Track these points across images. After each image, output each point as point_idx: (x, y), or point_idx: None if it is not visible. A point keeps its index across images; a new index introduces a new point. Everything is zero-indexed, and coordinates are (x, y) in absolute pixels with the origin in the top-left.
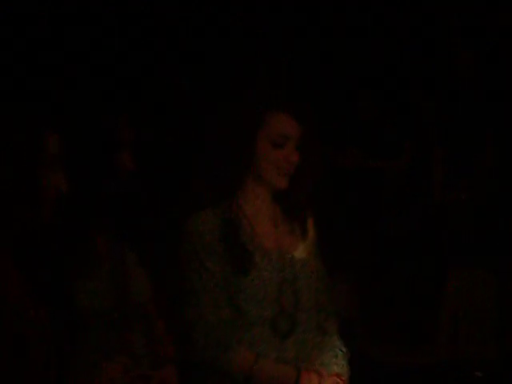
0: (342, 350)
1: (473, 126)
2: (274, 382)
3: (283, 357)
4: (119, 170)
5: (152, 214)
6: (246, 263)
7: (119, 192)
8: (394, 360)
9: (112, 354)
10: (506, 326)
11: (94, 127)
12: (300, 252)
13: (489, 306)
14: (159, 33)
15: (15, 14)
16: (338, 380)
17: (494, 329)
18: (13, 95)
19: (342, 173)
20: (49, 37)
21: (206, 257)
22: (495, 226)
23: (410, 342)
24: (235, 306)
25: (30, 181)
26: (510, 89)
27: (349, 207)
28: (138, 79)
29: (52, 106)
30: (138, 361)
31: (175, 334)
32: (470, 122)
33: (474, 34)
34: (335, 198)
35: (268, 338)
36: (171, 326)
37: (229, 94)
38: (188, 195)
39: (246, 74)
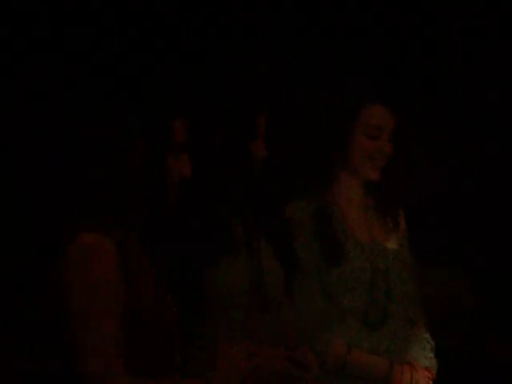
0: (430, 343)
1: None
2: (367, 372)
3: (374, 348)
4: (254, 158)
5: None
6: (337, 252)
7: (253, 180)
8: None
9: (237, 339)
10: None
11: (233, 115)
12: (392, 243)
13: None
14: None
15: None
16: (428, 374)
17: None
18: (142, 83)
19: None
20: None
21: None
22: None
23: None
24: (328, 296)
25: (158, 167)
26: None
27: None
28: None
29: (182, 94)
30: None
31: None
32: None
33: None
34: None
35: (359, 329)
36: None
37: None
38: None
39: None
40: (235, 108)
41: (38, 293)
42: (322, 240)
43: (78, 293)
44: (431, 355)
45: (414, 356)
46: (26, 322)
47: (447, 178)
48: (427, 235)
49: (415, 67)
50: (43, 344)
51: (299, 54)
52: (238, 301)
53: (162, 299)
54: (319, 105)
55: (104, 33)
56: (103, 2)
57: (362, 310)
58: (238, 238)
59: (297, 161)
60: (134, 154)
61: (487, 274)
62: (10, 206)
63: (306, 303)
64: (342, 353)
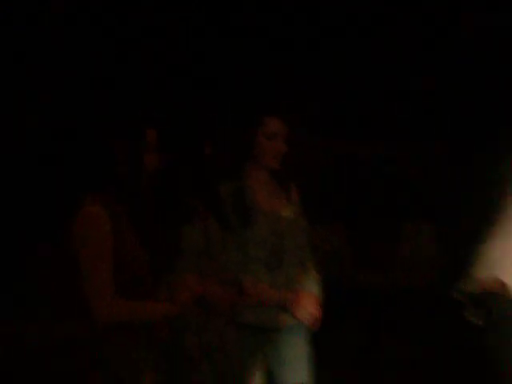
0: (316, 277)
1: None
2: (269, 299)
3: (274, 283)
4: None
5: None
6: (247, 218)
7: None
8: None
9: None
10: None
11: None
12: (287, 212)
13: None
14: None
15: None
16: (314, 299)
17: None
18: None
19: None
20: None
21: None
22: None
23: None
24: (242, 249)
25: (136, 161)
26: None
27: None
28: None
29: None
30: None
31: None
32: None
33: None
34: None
35: (263, 271)
36: None
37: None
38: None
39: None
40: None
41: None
42: (238, 209)
43: (84, 245)
44: (318, 288)
45: (303, 286)
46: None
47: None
48: (313, 203)
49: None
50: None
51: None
52: (195, 249)
53: (138, 250)
54: (237, 119)
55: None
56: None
57: (265, 258)
58: (194, 210)
59: (220, 156)
60: (121, 152)
61: (358, 226)
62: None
63: (228, 254)
64: (254, 287)
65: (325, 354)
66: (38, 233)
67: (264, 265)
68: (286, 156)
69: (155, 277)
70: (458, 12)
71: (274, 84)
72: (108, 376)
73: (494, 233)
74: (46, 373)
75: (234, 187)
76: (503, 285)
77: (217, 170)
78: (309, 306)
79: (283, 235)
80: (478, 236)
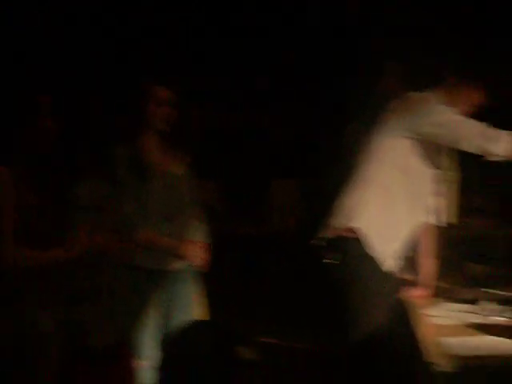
0: (202, 226)
1: None
2: (164, 247)
3: (169, 235)
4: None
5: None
6: (143, 176)
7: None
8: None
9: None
10: None
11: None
12: (177, 170)
13: None
14: None
15: None
16: (202, 245)
17: None
18: None
19: None
20: None
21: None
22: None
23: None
24: (139, 205)
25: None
26: None
27: None
28: None
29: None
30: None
31: None
32: None
33: None
34: None
35: (159, 222)
36: None
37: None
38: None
39: None
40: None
41: None
42: (134, 168)
43: None
44: (205, 235)
45: (193, 235)
46: None
47: None
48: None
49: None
50: None
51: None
52: (93, 204)
53: (41, 205)
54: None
55: None
56: None
57: (160, 211)
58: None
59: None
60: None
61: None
62: None
63: (126, 208)
64: (148, 236)
65: (209, 290)
66: None
67: (159, 216)
68: (175, 120)
69: (57, 230)
70: None
71: (164, 56)
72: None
73: (350, 185)
74: None
75: (130, 149)
76: (355, 230)
77: (114, 134)
78: (199, 251)
79: (175, 190)
80: (336, 189)
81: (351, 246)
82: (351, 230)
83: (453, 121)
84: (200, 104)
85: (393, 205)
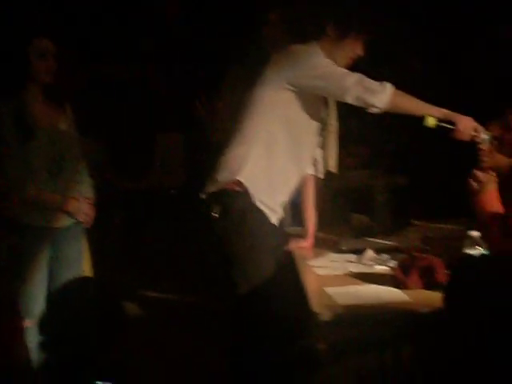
0: (90, 184)
1: None
2: (53, 203)
3: (56, 191)
4: None
5: None
6: (28, 132)
7: None
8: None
9: None
10: None
11: None
12: (63, 124)
13: None
14: None
15: None
16: (89, 201)
17: None
18: None
19: None
20: None
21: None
22: None
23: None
24: (25, 162)
25: None
26: None
27: None
28: None
29: None
30: None
31: None
32: None
33: None
34: None
35: (46, 179)
36: None
37: None
38: None
39: None
40: None
41: None
42: (18, 126)
43: None
44: (90, 189)
45: (80, 191)
46: None
47: None
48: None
49: None
50: None
51: None
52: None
53: None
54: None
55: None
56: None
57: (46, 167)
58: None
59: None
60: None
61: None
62: None
63: (12, 166)
64: (35, 193)
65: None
66: None
67: (46, 173)
68: (59, 73)
69: None
70: None
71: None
72: None
73: (233, 138)
74: None
75: (13, 106)
76: (239, 183)
77: None
78: (85, 207)
79: (61, 146)
80: (220, 142)
81: (233, 199)
82: (235, 183)
83: (334, 73)
84: (83, 56)
85: (276, 157)
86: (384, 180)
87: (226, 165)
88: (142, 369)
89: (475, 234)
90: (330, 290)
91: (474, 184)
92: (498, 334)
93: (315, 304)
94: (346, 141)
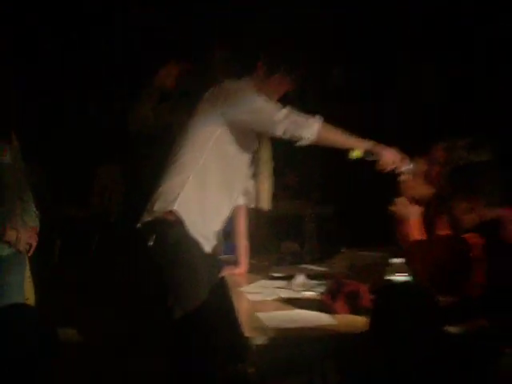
0: (35, 212)
1: None
2: None
3: None
4: None
5: None
6: None
7: None
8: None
9: None
10: None
11: None
12: (6, 158)
13: None
14: None
15: None
16: (32, 230)
17: None
18: None
19: None
20: None
21: None
22: None
23: None
24: None
25: None
26: None
27: None
28: None
29: None
30: None
31: None
32: None
33: None
34: None
35: None
36: None
37: None
38: None
39: None
40: None
41: None
42: None
43: None
44: (35, 218)
45: (22, 220)
46: None
47: None
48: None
49: None
50: None
51: None
52: None
53: None
54: None
55: None
56: None
57: None
58: None
59: None
60: None
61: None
62: None
63: None
64: None
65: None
66: None
67: None
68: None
69: None
70: None
71: None
72: None
73: (168, 170)
74: None
75: None
76: (173, 213)
77: None
78: (25, 236)
79: (4, 178)
80: (156, 174)
81: (168, 229)
82: (170, 214)
83: (263, 107)
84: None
85: (209, 188)
86: (312, 210)
87: (160, 196)
88: None
89: (397, 261)
90: (260, 314)
91: (396, 212)
92: (414, 352)
93: (247, 328)
94: (278, 172)
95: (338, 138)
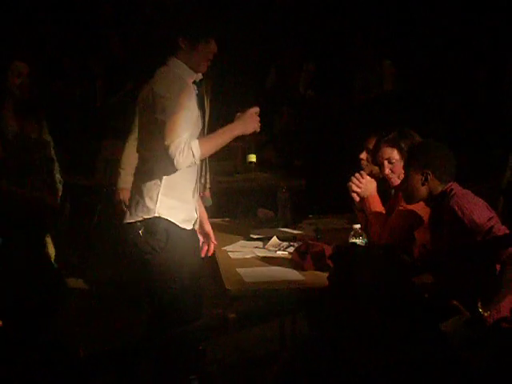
0: (59, 182)
1: None
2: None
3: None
4: None
5: None
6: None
7: None
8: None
9: None
10: None
11: None
12: (33, 134)
13: None
14: None
15: None
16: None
17: None
18: None
19: None
20: None
21: None
22: None
23: None
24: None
25: None
26: None
27: None
28: None
29: None
30: None
31: None
32: None
33: None
34: None
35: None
36: None
37: None
38: None
39: None
40: None
41: None
42: None
43: None
44: (59, 186)
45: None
46: None
47: None
48: None
49: None
50: None
51: None
52: None
53: None
54: None
55: None
56: None
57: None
58: None
59: None
60: None
61: None
62: None
63: None
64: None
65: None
66: None
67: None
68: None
69: None
70: None
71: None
72: None
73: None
74: None
75: None
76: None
77: None
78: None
79: (32, 151)
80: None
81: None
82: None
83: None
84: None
85: (178, 179)
86: (286, 182)
87: (138, 205)
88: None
89: (357, 226)
90: (240, 270)
91: (355, 186)
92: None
93: (228, 281)
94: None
95: (216, 143)
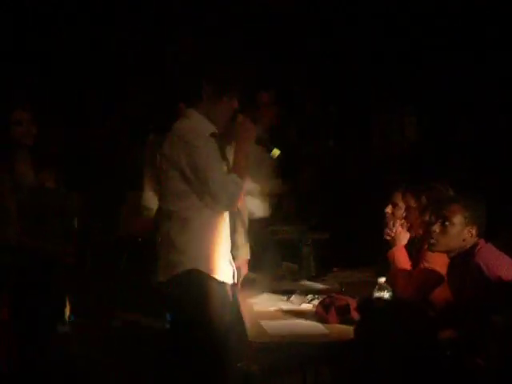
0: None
1: None
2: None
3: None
4: None
5: None
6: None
7: None
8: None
9: None
10: None
11: None
12: (44, 182)
13: None
14: None
15: None
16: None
17: None
18: None
19: None
20: None
21: None
22: None
23: None
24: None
25: None
26: None
27: None
28: None
29: None
30: None
31: None
32: None
33: None
34: None
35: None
36: None
37: None
38: None
39: None
40: None
41: None
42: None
43: None
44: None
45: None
46: None
47: None
48: None
49: None
50: None
51: None
52: None
53: None
54: None
55: None
56: None
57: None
58: None
59: None
60: None
61: None
62: None
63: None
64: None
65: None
66: None
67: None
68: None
69: None
70: None
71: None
72: None
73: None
74: None
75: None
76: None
77: None
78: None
79: (43, 199)
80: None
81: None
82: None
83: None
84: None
85: (208, 235)
86: (309, 235)
87: (170, 263)
88: None
89: (382, 279)
90: (263, 322)
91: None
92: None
93: (252, 333)
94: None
95: (242, 163)
